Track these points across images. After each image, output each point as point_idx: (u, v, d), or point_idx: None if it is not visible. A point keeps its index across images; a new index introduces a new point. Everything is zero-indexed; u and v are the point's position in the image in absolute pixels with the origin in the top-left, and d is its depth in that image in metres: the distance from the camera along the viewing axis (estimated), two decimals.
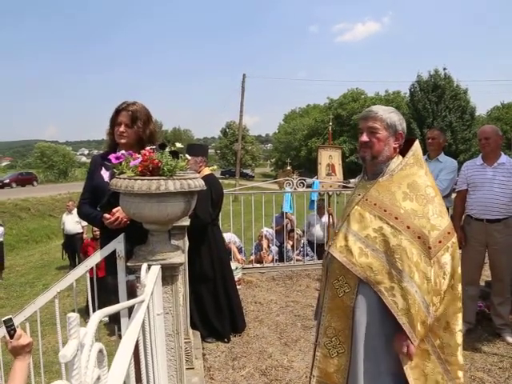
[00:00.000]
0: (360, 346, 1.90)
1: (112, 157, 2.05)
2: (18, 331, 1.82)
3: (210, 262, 4.08)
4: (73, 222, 10.23)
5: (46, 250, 13.28)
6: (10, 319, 1.83)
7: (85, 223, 10.06)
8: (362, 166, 2.10)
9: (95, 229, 7.27)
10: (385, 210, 1.86)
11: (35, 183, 36.45)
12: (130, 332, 1.14)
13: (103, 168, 2.45)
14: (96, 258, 2.17)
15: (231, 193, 6.96)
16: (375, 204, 1.90)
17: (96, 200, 2.45)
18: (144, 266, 1.49)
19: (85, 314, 5.27)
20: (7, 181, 34.49)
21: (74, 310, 2.65)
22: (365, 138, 1.96)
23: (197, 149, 4.29)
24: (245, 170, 49.55)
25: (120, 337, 3.65)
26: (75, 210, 10.37)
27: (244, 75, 29.44)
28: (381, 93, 47.93)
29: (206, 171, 4.18)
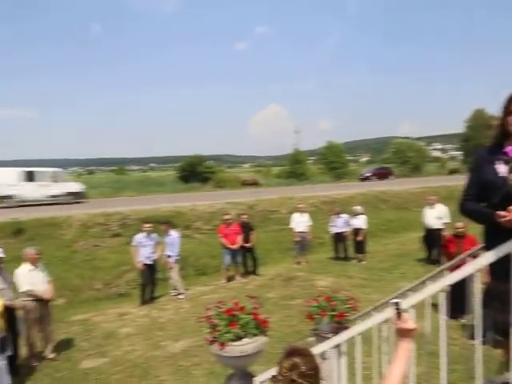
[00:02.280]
0: None
1: (510, 150, 1.86)
2: (405, 315, 1.91)
3: None
4: (433, 217, 10.24)
5: (402, 241, 13.88)
6: (398, 303, 1.93)
7: (446, 220, 9.91)
8: None
9: (458, 226, 7.02)
10: None
11: (391, 177, 38.68)
12: None
13: (496, 162, 2.25)
14: (487, 258, 2.03)
15: None
16: None
17: (485, 196, 2.28)
18: None
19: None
20: (368, 174, 38.14)
21: None
22: None
23: None
24: None
25: (484, 343, 3.37)
26: (437, 204, 10.36)
27: None
28: None
29: None
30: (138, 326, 7.48)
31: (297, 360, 1.72)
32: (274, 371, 1.78)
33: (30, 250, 6.33)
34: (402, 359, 1.84)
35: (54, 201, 21.92)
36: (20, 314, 6.15)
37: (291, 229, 11.77)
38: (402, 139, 58.09)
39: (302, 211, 11.81)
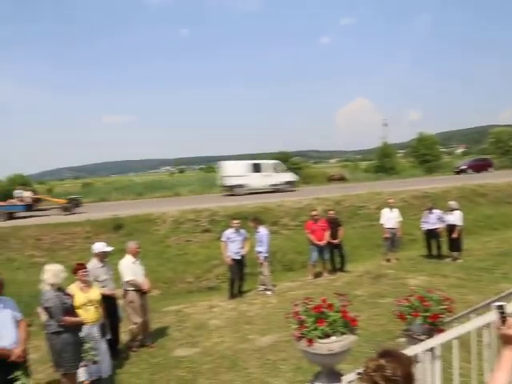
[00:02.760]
0: None
1: None
2: (510, 320, 1.75)
3: None
4: None
5: (504, 239, 12.79)
6: (502, 306, 1.78)
7: None
8: None
9: None
10: None
11: (490, 169, 35.84)
12: None
13: None
14: None
15: None
16: None
17: None
18: None
19: None
20: (464, 167, 35.67)
21: None
22: None
23: None
24: None
25: None
26: None
27: None
28: None
29: None
30: (227, 319, 7.70)
31: (383, 362, 1.64)
32: (361, 368, 1.73)
33: (133, 244, 6.84)
34: (506, 369, 1.70)
35: (274, 189, 25.02)
36: (121, 302, 6.64)
37: (380, 225, 11.39)
38: (502, 127, 53.42)
39: (391, 206, 11.36)
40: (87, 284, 5.54)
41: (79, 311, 5.22)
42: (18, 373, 4.13)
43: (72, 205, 19.76)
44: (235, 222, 9.23)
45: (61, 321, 4.73)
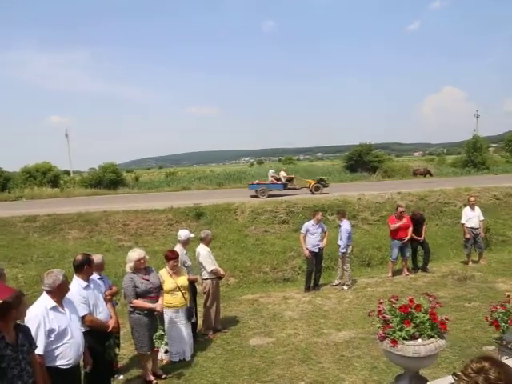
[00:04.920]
0: None
1: None
2: None
3: None
4: None
5: None
6: None
7: None
8: None
9: None
10: None
11: None
12: None
13: None
14: None
15: None
16: None
17: None
18: None
19: None
20: None
21: None
22: None
23: None
24: None
25: None
26: None
27: None
28: None
29: None
30: (302, 312, 7.62)
31: (487, 365, 1.54)
32: (458, 370, 1.62)
33: (208, 233, 7.04)
34: None
35: None
36: (199, 288, 6.84)
37: (462, 225, 10.57)
38: None
39: (473, 205, 10.46)
40: (176, 271, 5.75)
41: (166, 296, 5.45)
42: (108, 343, 4.45)
43: (321, 185, 20.70)
44: (321, 214, 9.14)
45: (130, 302, 4.97)
